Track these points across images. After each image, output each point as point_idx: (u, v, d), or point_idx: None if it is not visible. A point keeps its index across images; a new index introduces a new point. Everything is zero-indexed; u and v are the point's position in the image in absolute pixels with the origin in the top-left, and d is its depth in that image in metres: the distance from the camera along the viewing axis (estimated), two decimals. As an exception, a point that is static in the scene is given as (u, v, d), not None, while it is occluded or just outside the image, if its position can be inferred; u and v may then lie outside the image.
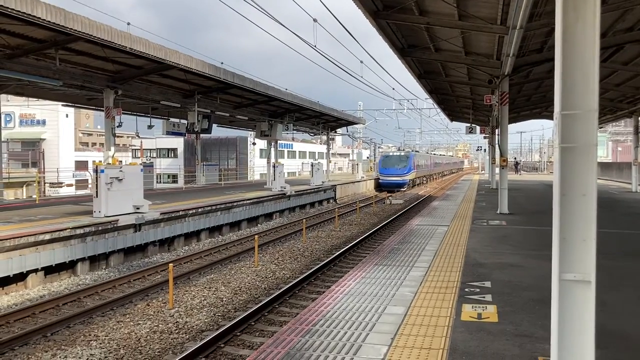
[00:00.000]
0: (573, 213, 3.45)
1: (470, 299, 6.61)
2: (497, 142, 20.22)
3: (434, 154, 71.94)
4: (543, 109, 31.17)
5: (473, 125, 33.87)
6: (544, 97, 25.87)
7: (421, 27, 13.80)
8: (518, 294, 6.80)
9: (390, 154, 47.41)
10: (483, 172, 70.08)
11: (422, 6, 12.51)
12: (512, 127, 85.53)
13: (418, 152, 55.99)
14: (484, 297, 6.65)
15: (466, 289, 7.07)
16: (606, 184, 34.04)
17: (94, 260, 13.26)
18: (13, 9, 10.29)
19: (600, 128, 55.82)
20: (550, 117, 32.18)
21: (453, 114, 38.43)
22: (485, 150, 52.60)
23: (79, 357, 7.40)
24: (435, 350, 4.92)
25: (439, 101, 30.00)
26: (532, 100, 27.08)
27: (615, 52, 15.69)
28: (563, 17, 3.45)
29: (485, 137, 37.77)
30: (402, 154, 46.32)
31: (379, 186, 44.69)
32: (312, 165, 32.79)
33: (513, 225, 13.76)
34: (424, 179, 54.44)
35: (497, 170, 20.19)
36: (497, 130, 20.73)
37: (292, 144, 63.12)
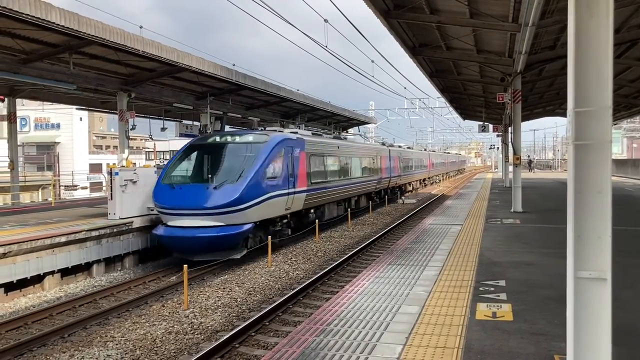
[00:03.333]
0: (588, 210, 3.44)
1: (484, 297, 6.59)
2: (510, 140, 20.11)
3: (394, 146, 34.76)
4: (556, 106, 30.95)
5: (486, 123, 33.72)
6: (557, 95, 25.69)
7: (432, 25, 13.78)
8: (533, 293, 6.77)
9: (209, 140, 15.88)
10: (496, 170, 69.67)
11: (433, 5, 12.49)
12: (525, 125, 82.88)
13: (337, 135, 26.63)
14: (498, 296, 6.63)
15: (480, 288, 7.04)
16: (621, 181, 33.66)
17: (109, 262, 13.37)
18: (28, 14, 10.43)
19: (615, 124, 55.31)
20: (564, 115, 31.95)
21: (465, 113, 38.27)
22: (498, 148, 52.23)
23: (96, 358, 7.48)
24: (450, 349, 4.91)
25: (451, 100, 29.92)
26: (545, 97, 26.91)
27: (629, 48, 15.55)
28: (576, 13, 3.43)
29: (498, 136, 37.57)
30: (251, 138, 15.40)
31: (157, 245, 14.47)
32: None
33: (527, 223, 13.68)
34: (350, 203, 23.26)
35: (511, 168, 20.08)
36: (510, 128, 20.62)
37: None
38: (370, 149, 27.52)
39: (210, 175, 13.89)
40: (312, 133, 20.66)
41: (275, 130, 17.06)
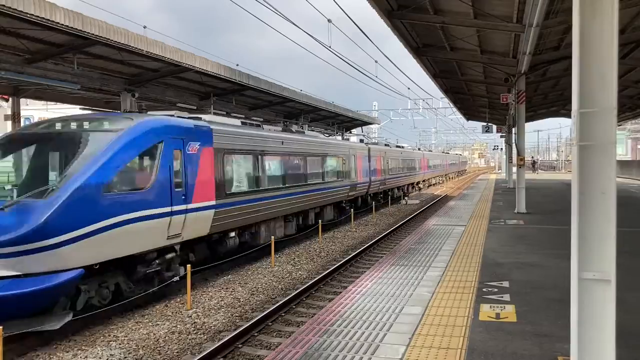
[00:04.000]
0: (592, 211, 3.42)
1: (488, 298, 6.58)
2: (514, 141, 20.08)
3: (378, 144, 30.82)
4: (560, 107, 30.90)
5: (489, 124, 33.68)
6: (561, 95, 25.64)
7: (436, 26, 13.77)
8: (537, 294, 6.75)
9: (40, 126, 10.03)
10: (500, 171, 69.59)
11: (436, 5, 12.47)
12: (529, 126, 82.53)
13: (286, 127, 20.46)
14: (502, 297, 6.61)
15: (484, 289, 7.03)
16: (626, 183, 33.56)
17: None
18: (32, 14, 10.45)
19: (619, 125, 55.18)
20: (568, 116, 31.90)
21: (469, 113, 38.24)
22: (501, 149, 52.12)
23: (99, 357, 7.49)
24: (453, 350, 4.90)
25: (455, 100, 29.89)
26: (549, 98, 26.86)
27: (634, 49, 15.49)
28: (580, 14, 3.43)
29: (501, 136, 37.53)
30: (106, 125, 9.35)
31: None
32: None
33: (531, 224, 13.65)
34: (308, 217, 18.16)
35: (514, 169, 20.05)
36: (513, 129, 20.59)
37: (307, 145, 62.81)
38: (339, 146, 21.89)
39: (9, 187, 8.55)
40: (242, 122, 15.25)
41: (171, 115, 11.30)
